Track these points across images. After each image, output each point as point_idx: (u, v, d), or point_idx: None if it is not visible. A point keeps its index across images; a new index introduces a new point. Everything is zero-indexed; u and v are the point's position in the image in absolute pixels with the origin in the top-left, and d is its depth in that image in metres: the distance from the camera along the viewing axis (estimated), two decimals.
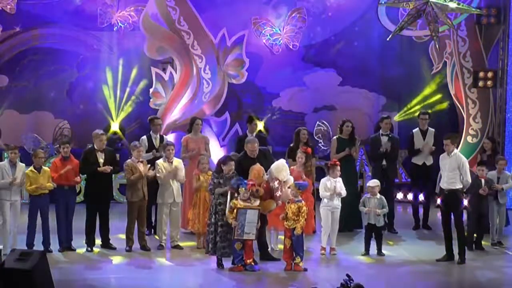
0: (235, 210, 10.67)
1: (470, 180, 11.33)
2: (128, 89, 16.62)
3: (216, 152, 15.73)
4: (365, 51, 16.91)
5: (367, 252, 11.75)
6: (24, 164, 12.13)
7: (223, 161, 11.14)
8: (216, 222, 10.90)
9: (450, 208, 11.36)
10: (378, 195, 11.80)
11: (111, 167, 11.93)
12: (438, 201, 15.38)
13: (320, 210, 11.85)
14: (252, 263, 10.82)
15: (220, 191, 10.90)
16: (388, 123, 13.68)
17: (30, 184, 11.59)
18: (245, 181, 10.83)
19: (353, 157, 13.48)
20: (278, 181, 10.97)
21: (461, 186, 11.27)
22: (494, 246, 12.40)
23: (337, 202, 11.80)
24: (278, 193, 10.93)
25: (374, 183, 11.94)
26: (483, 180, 12.22)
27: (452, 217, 11.43)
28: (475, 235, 12.27)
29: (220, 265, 10.92)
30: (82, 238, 11.96)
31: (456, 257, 11.40)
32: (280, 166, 11.10)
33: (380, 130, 13.68)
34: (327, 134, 16.74)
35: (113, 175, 12.59)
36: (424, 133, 13.82)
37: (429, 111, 14.95)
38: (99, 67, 16.65)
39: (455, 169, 11.20)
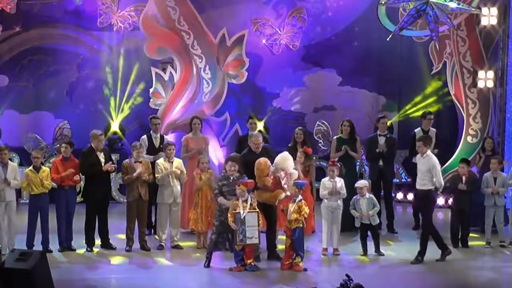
0: (234, 214, 10.69)
1: (442, 182, 11.39)
2: (128, 89, 16.62)
3: (216, 152, 15.74)
4: (365, 51, 16.91)
5: (365, 252, 11.76)
6: (16, 164, 12.13)
7: (225, 161, 11.11)
8: (224, 221, 10.93)
9: (419, 208, 11.45)
10: (367, 195, 11.81)
11: (115, 165, 12.03)
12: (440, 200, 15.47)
13: (321, 211, 11.86)
14: (252, 264, 10.83)
15: (222, 201, 10.88)
16: (384, 123, 13.69)
17: (28, 184, 11.59)
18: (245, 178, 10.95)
19: (353, 157, 13.46)
20: (284, 172, 11.03)
21: (432, 187, 11.31)
22: (488, 245, 12.39)
23: (338, 203, 11.81)
24: (286, 184, 11.03)
25: (362, 184, 11.95)
26: (463, 177, 12.32)
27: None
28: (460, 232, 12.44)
29: (209, 264, 10.95)
30: (82, 238, 11.98)
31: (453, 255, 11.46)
32: (285, 157, 11.25)
33: (378, 131, 13.70)
34: (327, 134, 16.75)
35: (112, 175, 12.61)
36: (426, 133, 13.81)
37: (431, 110, 14.98)
38: (99, 67, 16.64)
39: (427, 170, 11.30)
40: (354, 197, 11.88)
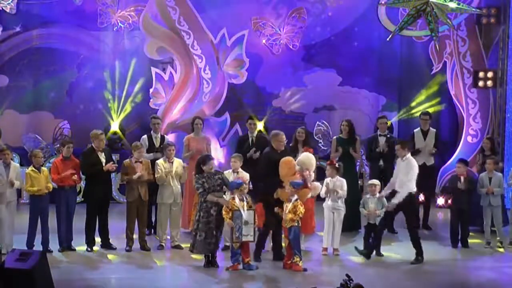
0: (231, 212, 10.70)
1: (412, 188, 11.27)
2: (128, 89, 16.63)
3: (216, 152, 15.74)
4: (365, 51, 16.91)
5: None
6: (18, 164, 12.12)
7: (202, 161, 11.09)
8: (208, 220, 10.91)
9: (402, 209, 11.37)
10: (378, 195, 11.81)
11: (116, 165, 12.03)
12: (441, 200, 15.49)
13: (324, 211, 11.85)
14: (250, 262, 10.85)
15: (212, 199, 10.89)
16: (383, 123, 13.70)
17: (32, 185, 11.58)
18: (240, 181, 10.98)
19: (353, 157, 13.47)
20: (308, 171, 11.09)
21: (414, 190, 11.26)
22: (488, 245, 12.39)
23: (339, 203, 11.80)
24: (314, 183, 11.15)
25: (374, 181, 11.97)
26: (462, 178, 12.30)
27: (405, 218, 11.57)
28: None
29: (209, 263, 10.96)
30: (82, 238, 11.97)
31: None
32: (310, 156, 11.31)
33: (378, 131, 13.71)
34: (327, 134, 16.75)
35: (112, 175, 12.61)
36: (425, 133, 13.85)
37: (430, 110, 14.99)
38: (99, 67, 16.65)
39: (407, 173, 11.25)
40: (365, 195, 11.90)
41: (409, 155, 11.40)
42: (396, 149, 11.47)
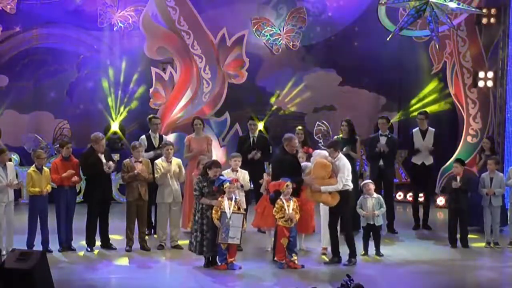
0: (219, 211, 10.73)
1: (340, 185, 11.08)
2: (128, 89, 16.64)
3: (216, 152, 15.74)
4: (365, 51, 16.90)
5: (366, 252, 11.76)
6: (12, 163, 12.10)
7: (209, 165, 11.10)
8: (202, 222, 10.94)
9: (338, 208, 11.27)
10: (375, 195, 11.80)
11: (115, 164, 12.02)
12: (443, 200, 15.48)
13: (320, 210, 11.85)
14: (234, 262, 10.90)
15: (206, 202, 10.91)
16: (383, 123, 13.70)
17: (33, 185, 11.57)
18: (227, 178, 11.03)
19: (353, 157, 13.46)
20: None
21: (350, 188, 11.18)
22: (488, 245, 12.39)
23: None
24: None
25: (368, 181, 11.98)
26: (458, 177, 12.30)
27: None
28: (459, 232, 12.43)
29: (209, 263, 10.99)
30: (82, 238, 11.98)
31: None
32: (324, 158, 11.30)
33: (379, 131, 13.72)
34: (327, 134, 16.75)
35: (113, 175, 12.61)
36: (423, 133, 13.85)
37: (427, 110, 15.00)
38: (99, 67, 16.65)
39: (342, 172, 11.18)
40: (362, 196, 11.89)
41: (340, 155, 11.35)
42: (329, 153, 11.34)
